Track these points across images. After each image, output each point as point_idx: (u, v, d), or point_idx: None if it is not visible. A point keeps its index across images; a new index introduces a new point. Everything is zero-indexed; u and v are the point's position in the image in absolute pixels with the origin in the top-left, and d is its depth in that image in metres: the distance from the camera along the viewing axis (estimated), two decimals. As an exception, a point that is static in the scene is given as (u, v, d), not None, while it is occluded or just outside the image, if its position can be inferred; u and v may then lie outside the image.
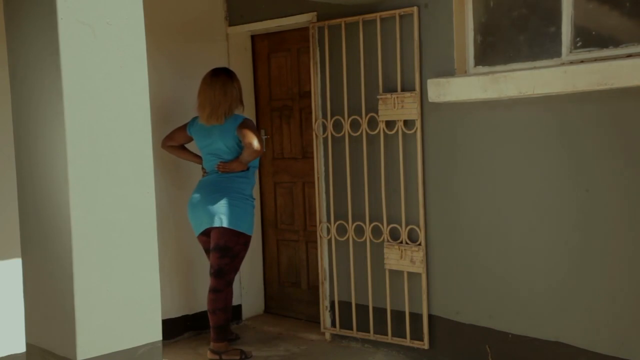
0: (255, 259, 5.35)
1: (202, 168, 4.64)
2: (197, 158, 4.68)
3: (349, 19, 4.43)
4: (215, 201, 4.38)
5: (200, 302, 5.07)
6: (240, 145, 4.44)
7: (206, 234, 4.50)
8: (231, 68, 5.21)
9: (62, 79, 2.81)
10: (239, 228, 4.38)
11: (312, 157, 4.76)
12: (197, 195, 4.48)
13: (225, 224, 4.35)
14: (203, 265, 5.09)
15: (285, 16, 4.84)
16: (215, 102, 4.42)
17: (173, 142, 4.64)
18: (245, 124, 4.42)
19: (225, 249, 4.39)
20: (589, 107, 3.55)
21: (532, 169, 3.77)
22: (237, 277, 5.27)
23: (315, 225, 4.83)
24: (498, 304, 3.95)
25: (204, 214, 4.41)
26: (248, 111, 5.11)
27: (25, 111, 3.08)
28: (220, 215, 4.36)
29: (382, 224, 4.38)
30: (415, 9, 4.14)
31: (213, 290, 4.44)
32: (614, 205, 3.50)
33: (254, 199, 4.56)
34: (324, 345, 4.68)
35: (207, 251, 4.62)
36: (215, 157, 4.49)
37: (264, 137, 5.14)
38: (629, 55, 3.43)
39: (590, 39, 3.62)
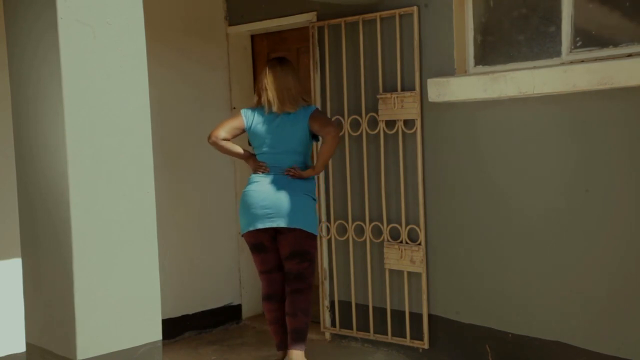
0: (255, 258, 5.35)
1: (260, 164, 4.18)
2: (248, 155, 4.25)
3: (349, 19, 4.43)
4: (289, 201, 4.07)
5: (201, 302, 5.08)
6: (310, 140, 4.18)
7: (266, 231, 4.13)
8: (231, 68, 5.23)
9: (62, 79, 2.80)
10: (312, 230, 4.13)
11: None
12: (263, 191, 4.10)
13: (301, 226, 4.10)
14: (203, 264, 5.09)
15: (285, 16, 4.84)
16: (288, 88, 4.16)
17: (229, 136, 4.17)
18: (317, 112, 4.15)
19: (304, 254, 4.13)
20: (589, 107, 3.55)
21: (532, 168, 3.77)
22: (237, 277, 5.29)
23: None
24: (498, 304, 3.95)
25: (274, 212, 4.06)
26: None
27: (25, 111, 3.08)
28: (296, 217, 4.07)
29: (382, 224, 4.38)
30: (415, 8, 4.13)
31: (294, 292, 4.16)
32: (614, 205, 3.50)
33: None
34: (324, 345, 4.68)
35: (258, 249, 4.21)
36: (285, 153, 4.16)
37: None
38: (629, 55, 3.43)
39: (590, 38, 3.62)
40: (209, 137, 4.11)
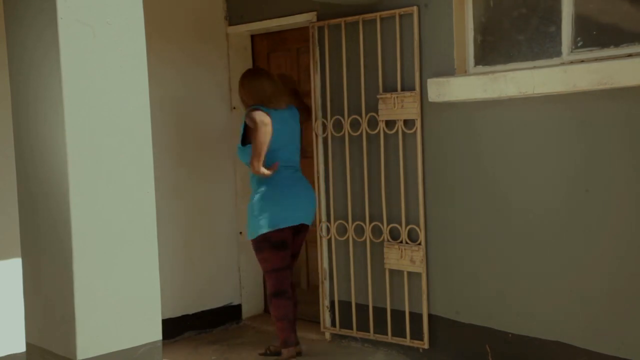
0: (255, 258, 5.34)
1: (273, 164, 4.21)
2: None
3: (349, 19, 4.43)
4: (313, 199, 4.40)
5: (200, 302, 5.07)
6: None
7: (291, 228, 4.27)
8: (231, 68, 5.23)
9: (62, 79, 2.81)
10: None
11: (312, 157, 4.76)
12: (297, 189, 4.29)
13: (310, 223, 4.43)
14: (203, 264, 5.09)
15: (285, 16, 4.84)
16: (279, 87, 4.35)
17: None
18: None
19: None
20: (589, 107, 3.55)
21: (532, 168, 3.77)
22: (237, 277, 5.30)
23: (315, 225, 4.83)
24: (498, 304, 3.95)
25: (307, 209, 4.34)
26: (248, 111, 5.11)
27: (25, 111, 3.08)
28: (313, 214, 4.43)
29: (382, 224, 4.38)
30: (415, 8, 4.13)
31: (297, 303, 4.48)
32: (614, 205, 3.50)
33: None
34: (323, 344, 4.68)
35: (280, 246, 4.25)
36: (296, 150, 4.37)
37: None
38: (629, 55, 3.43)
39: (590, 38, 3.62)
40: (253, 169, 4.11)
